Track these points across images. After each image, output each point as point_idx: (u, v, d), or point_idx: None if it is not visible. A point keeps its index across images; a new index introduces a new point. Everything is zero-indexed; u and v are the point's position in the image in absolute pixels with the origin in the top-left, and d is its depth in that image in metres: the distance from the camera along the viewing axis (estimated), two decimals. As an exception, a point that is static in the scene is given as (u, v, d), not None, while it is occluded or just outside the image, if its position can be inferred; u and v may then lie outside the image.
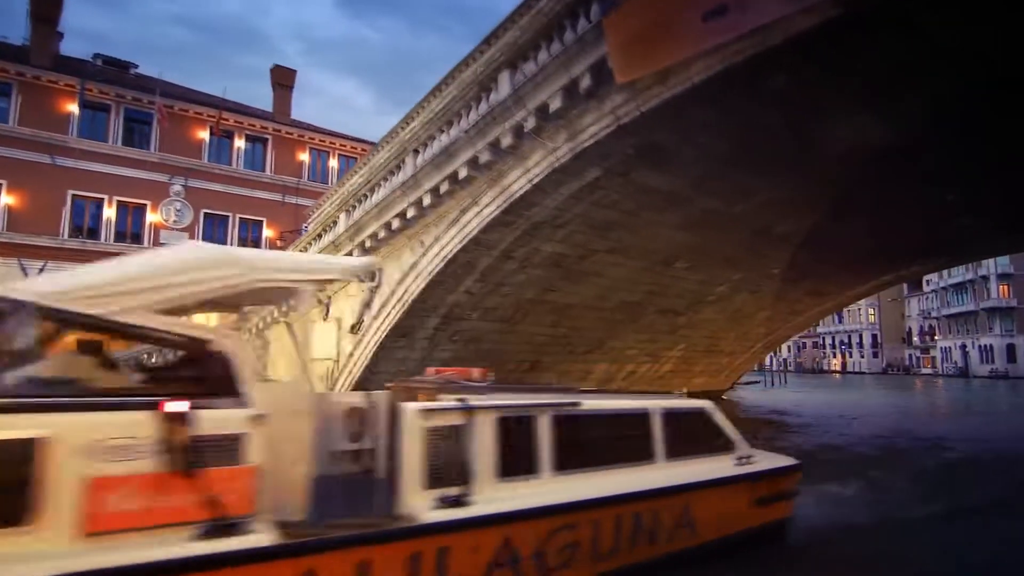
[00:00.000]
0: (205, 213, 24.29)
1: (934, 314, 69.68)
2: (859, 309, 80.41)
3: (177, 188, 23.62)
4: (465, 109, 11.08)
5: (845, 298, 23.19)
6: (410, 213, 12.39)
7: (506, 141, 10.22)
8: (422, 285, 12.54)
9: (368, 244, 13.67)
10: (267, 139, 25.73)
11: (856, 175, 11.35)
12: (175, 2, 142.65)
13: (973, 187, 12.94)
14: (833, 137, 9.81)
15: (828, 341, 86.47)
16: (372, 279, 13.93)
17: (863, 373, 76.00)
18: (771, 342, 25.82)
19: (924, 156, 10.84)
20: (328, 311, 15.89)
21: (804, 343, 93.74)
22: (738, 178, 11.19)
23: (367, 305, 14.08)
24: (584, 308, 16.09)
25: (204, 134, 24.28)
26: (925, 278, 74.84)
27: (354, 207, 14.44)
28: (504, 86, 10.22)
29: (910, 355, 75.25)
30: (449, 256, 11.91)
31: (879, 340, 78.59)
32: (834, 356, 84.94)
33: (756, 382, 48.69)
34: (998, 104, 8.91)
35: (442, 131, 11.65)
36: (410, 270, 12.83)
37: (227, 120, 24.94)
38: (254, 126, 25.76)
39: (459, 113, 11.22)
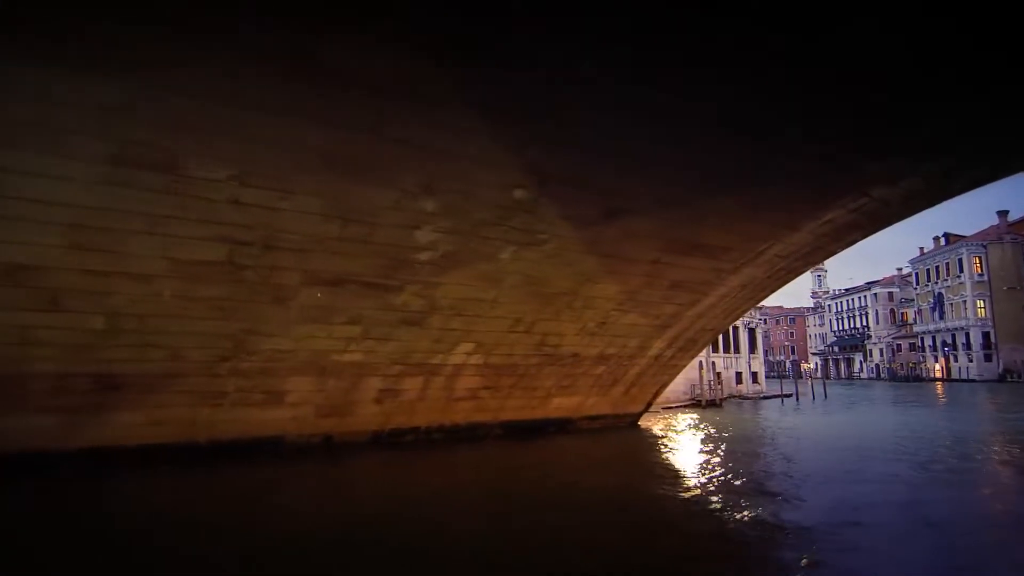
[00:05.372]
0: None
1: (1065, 303, 53.53)
2: (964, 302, 64.50)
3: None
4: None
5: (758, 255, 13.46)
6: None
7: None
8: None
9: None
10: None
11: None
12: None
13: None
14: None
15: (927, 342, 70.44)
16: None
17: (972, 380, 60.32)
18: (684, 339, 16.48)
19: None
20: None
21: (899, 345, 77.83)
22: None
23: None
24: (88, 275, 8.58)
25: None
26: (1053, 258, 58.26)
27: None
28: None
29: (1036, 357, 58.78)
30: None
31: (992, 339, 62.32)
32: (935, 360, 68.91)
33: (785, 396, 37.57)
34: None
35: None
36: None
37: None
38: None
39: None
